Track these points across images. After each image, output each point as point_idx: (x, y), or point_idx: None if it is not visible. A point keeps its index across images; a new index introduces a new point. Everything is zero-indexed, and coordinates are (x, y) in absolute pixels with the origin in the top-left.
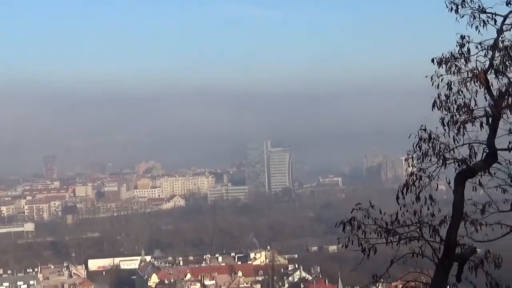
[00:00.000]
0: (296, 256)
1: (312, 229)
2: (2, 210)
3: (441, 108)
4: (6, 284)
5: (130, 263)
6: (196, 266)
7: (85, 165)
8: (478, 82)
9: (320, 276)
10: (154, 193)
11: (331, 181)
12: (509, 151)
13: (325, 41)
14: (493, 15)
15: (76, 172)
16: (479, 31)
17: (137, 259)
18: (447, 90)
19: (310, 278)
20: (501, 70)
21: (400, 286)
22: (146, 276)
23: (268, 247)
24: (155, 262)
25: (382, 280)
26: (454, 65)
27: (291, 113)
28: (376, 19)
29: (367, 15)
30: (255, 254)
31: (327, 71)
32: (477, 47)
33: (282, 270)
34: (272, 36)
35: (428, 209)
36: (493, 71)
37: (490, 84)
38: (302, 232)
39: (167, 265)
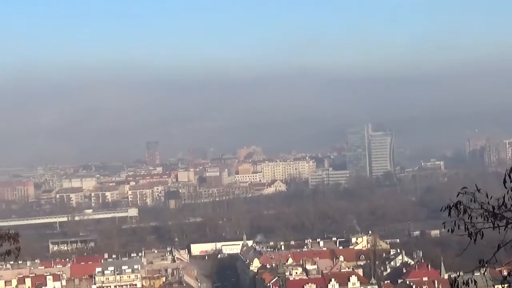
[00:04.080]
0: (398, 240)
1: (414, 214)
2: (107, 195)
3: None
4: (111, 268)
5: (232, 248)
6: (298, 250)
7: (186, 150)
8: None
9: (423, 261)
10: (255, 178)
11: (433, 165)
12: None
13: (426, 22)
14: None
15: (178, 157)
16: None
17: (239, 244)
18: None
19: (412, 262)
20: None
21: (505, 271)
22: (248, 260)
23: (370, 232)
24: (257, 247)
25: (487, 265)
26: None
27: (391, 96)
28: None
29: None
30: (357, 239)
31: (428, 52)
32: None
33: (384, 254)
34: (372, 18)
35: None
36: None
37: None
38: (404, 217)
39: (268, 249)
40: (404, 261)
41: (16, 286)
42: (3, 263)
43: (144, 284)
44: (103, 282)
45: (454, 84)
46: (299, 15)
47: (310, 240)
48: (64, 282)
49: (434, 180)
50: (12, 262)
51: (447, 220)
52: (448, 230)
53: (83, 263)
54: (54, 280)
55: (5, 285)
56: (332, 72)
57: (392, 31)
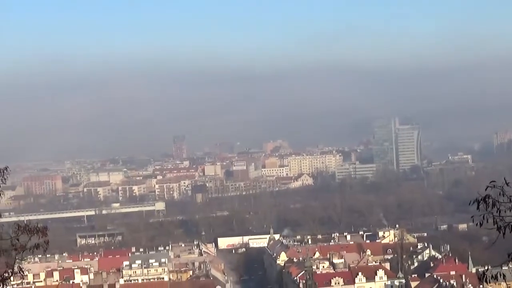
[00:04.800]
0: (425, 234)
1: (441, 207)
2: (134, 189)
3: None
4: (139, 261)
5: (259, 242)
6: (325, 244)
7: (213, 144)
8: None
9: (450, 255)
10: (282, 172)
11: (460, 159)
12: None
13: (452, 15)
14: None
15: (205, 151)
16: None
17: (266, 238)
18: None
19: (440, 256)
20: None
21: None
22: (275, 254)
23: (397, 225)
24: (283, 241)
25: None
26: None
27: (419, 89)
28: None
29: None
30: (384, 233)
31: (455, 45)
32: None
33: (411, 248)
34: (399, 10)
35: None
36: None
37: None
38: (431, 210)
39: (295, 243)
40: (431, 255)
41: (44, 280)
42: (31, 256)
43: (171, 277)
44: (130, 276)
45: (482, 77)
46: (325, 9)
47: (337, 234)
48: (91, 276)
49: (462, 173)
50: (40, 256)
51: (475, 214)
52: (477, 224)
53: (111, 256)
54: (82, 273)
55: (33, 279)
56: (359, 66)
57: (419, 24)
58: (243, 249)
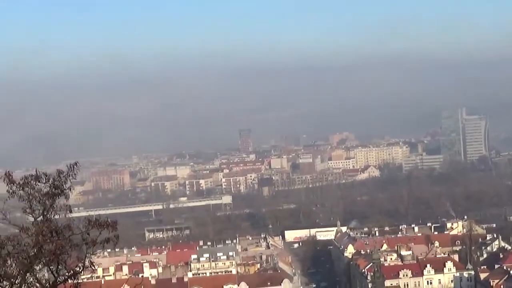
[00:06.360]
0: (494, 225)
1: (510, 198)
2: (201, 183)
3: None
4: (206, 255)
5: (326, 234)
6: (392, 236)
7: (279, 137)
8: None
9: None
10: (349, 164)
11: None
12: None
13: None
14: None
15: (271, 144)
16: None
17: (333, 230)
18: None
19: (510, 248)
20: None
21: None
22: (342, 246)
23: (465, 217)
24: (351, 233)
25: None
26: None
27: (486, 80)
28: None
29: None
30: (452, 224)
31: None
32: None
33: (479, 240)
34: (468, 1)
35: None
36: None
37: None
38: (500, 201)
39: (363, 235)
40: (500, 246)
41: (113, 273)
42: (101, 250)
43: (239, 270)
44: (198, 269)
45: None
46: (391, 1)
47: (405, 226)
48: (160, 269)
49: None
50: (109, 250)
51: None
52: None
53: (179, 250)
54: (151, 267)
55: (103, 273)
56: (425, 56)
57: (489, 14)
58: (299, 244)
